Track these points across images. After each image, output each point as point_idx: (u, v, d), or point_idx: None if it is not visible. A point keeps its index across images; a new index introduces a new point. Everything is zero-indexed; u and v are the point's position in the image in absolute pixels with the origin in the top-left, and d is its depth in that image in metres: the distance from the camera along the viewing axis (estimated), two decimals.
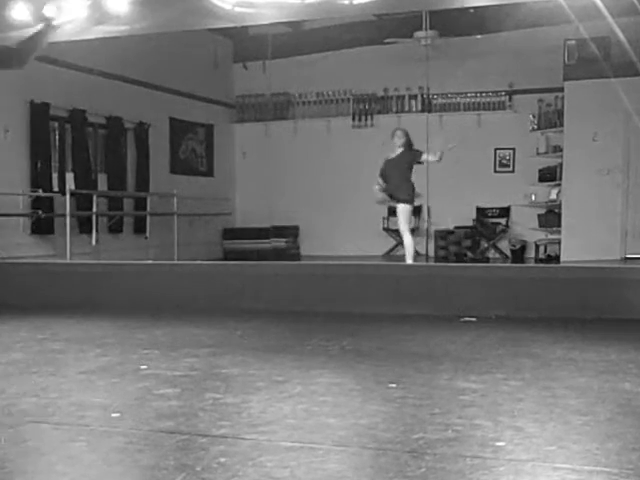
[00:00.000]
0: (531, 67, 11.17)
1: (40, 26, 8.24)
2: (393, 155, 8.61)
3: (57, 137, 10.19)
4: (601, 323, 5.96)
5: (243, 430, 3.03)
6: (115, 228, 10.92)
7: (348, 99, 12.93)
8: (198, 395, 3.64)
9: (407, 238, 8.47)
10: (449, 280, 6.88)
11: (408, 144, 8.59)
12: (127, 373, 4.20)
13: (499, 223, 12.15)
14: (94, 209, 10.01)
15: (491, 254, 12.14)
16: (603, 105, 10.00)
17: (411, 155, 8.58)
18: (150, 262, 8.59)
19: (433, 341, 5.24)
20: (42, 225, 9.66)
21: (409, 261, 8.42)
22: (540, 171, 11.71)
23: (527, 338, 5.30)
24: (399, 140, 8.58)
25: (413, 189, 8.58)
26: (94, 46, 8.65)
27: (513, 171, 12.10)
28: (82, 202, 10.03)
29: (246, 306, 6.89)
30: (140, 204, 11.31)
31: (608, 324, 5.92)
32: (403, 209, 8.54)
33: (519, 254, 11.83)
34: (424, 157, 8.61)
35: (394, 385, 3.79)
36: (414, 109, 12.63)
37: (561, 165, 10.88)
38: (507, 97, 12.18)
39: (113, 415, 3.28)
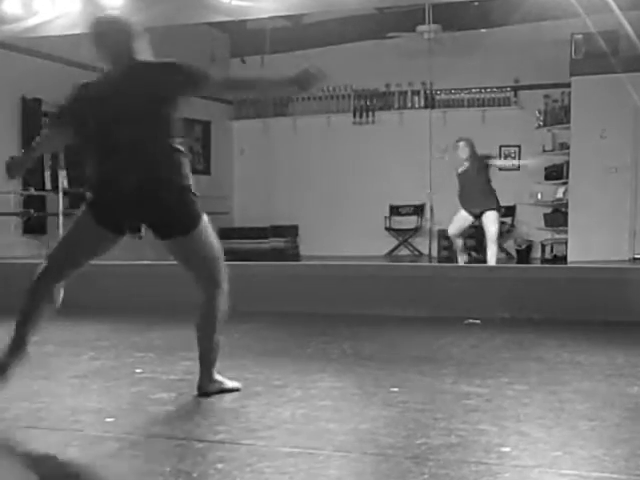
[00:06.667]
0: (537, 62, 10.95)
1: None
2: (463, 168, 8.57)
3: None
4: (608, 325, 5.90)
5: (241, 435, 3.01)
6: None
7: (349, 95, 12.69)
8: (195, 399, 3.59)
9: (494, 249, 8.48)
10: (452, 281, 6.78)
11: (474, 154, 8.57)
12: (121, 377, 4.16)
13: (504, 222, 11.93)
14: None
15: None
16: (611, 101, 9.78)
17: (482, 163, 8.62)
18: (145, 262, 8.41)
19: (436, 344, 5.19)
20: (34, 225, 9.55)
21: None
22: (546, 169, 11.51)
23: (532, 341, 5.26)
24: (464, 153, 8.55)
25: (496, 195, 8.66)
26: (88, 40, 8.49)
27: (518, 169, 11.91)
28: (75, 201, 9.83)
29: (244, 308, 6.76)
30: None
31: (616, 326, 5.86)
32: (494, 216, 8.51)
33: (525, 254, 11.64)
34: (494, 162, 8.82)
35: (396, 389, 3.75)
36: (417, 105, 12.38)
37: (568, 163, 10.67)
38: (512, 93, 11.95)
39: (107, 420, 3.23)
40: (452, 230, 8.86)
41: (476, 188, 8.50)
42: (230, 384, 3.73)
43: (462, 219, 8.69)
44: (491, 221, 8.52)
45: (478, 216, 8.60)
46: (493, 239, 8.52)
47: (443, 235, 11.65)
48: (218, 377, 3.68)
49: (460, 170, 8.64)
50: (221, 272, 3.60)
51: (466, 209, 8.60)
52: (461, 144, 8.60)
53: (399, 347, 5.13)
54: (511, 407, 3.40)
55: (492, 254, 8.50)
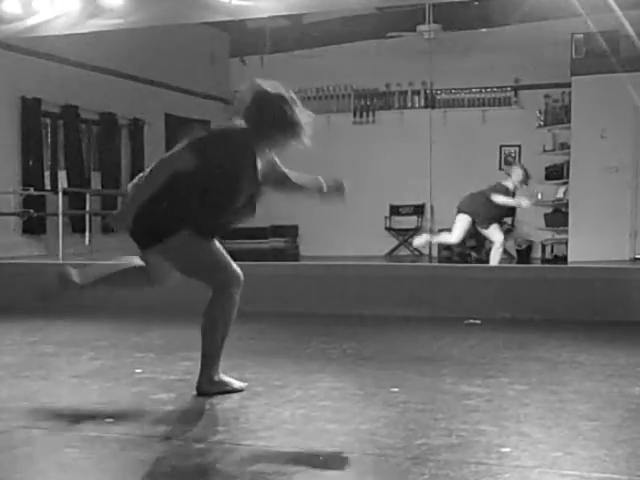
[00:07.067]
0: (537, 62, 10.96)
1: None
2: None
3: (49, 134, 10.07)
4: (609, 325, 5.88)
5: (241, 436, 3.01)
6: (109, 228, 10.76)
7: (349, 95, 12.68)
8: (194, 400, 3.58)
9: (500, 252, 8.77)
10: (453, 281, 6.77)
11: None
12: (121, 377, 4.15)
13: (504, 222, 11.92)
14: (87, 208, 9.81)
15: None
16: (612, 101, 9.76)
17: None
18: None
19: (436, 344, 5.17)
20: (33, 225, 9.55)
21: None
22: (547, 169, 11.48)
23: (533, 341, 5.24)
24: (517, 176, 8.74)
25: None
26: (87, 40, 8.52)
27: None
28: (75, 201, 9.89)
29: (243, 308, 6.74)
30: None
31: (616, 326, 5.84)
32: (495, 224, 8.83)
33: (525, 254, 11.63)
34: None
35: (396, 389, 3.73)
36: (417, 105, 12.38)
37: (568, 163, 10.64)
38: (513, 93, 11.96)
39: (107, 420, 3.21)
40: (458, 237, 8.90)
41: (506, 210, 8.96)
42: (235, 385, 3.71)
43: (466, 222, 8.74)
44: (494, 230, 8.74)
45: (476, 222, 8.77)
46: (500, 243, 8.73)
47: None
48: (224, 378, 3.67)
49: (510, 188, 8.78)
50: (220, 278, 3.64)
51: (476, 217, 8.72)
52: (516, 168, 8.93)
53: (399, 347, 5.11)
54: (511, 407, 3.39)
55: (496, 257, 8.63)
